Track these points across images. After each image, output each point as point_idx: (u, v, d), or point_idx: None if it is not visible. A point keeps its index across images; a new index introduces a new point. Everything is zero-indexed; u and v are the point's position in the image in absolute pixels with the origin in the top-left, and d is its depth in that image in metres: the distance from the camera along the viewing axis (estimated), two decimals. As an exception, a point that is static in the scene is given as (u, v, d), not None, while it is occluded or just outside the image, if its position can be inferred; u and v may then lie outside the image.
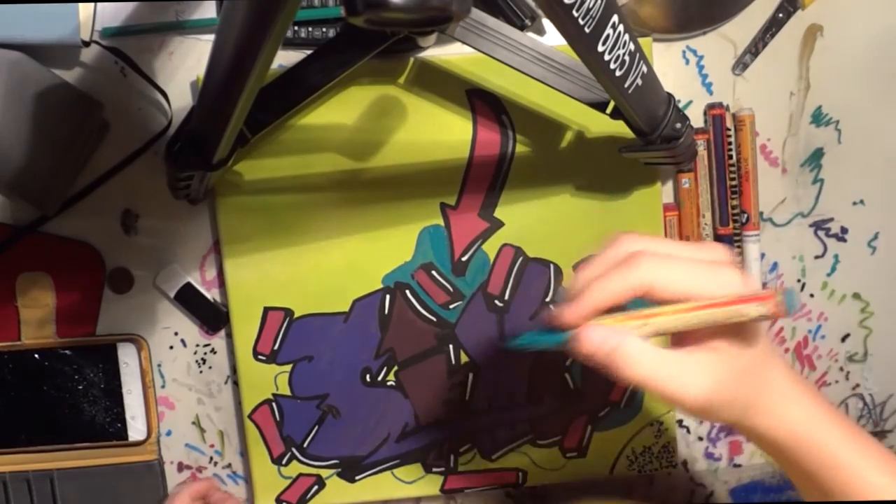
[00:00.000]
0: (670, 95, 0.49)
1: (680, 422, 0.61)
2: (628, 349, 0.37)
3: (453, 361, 0.58)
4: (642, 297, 0.38)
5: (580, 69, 0.50)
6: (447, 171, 0.57)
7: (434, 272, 0.57)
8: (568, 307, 0.38)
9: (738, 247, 0.59)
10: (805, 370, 0.62)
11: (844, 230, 0.60)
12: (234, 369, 0.59)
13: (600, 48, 0.38)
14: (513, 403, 0.59)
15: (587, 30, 0.36)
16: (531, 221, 0.57)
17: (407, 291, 0.58)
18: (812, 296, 0.61)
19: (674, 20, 0.56)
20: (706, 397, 0.38)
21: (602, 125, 0.55)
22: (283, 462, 0.59)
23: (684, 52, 0.58)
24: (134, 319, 0.58)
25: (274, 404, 0.58)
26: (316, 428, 0.58)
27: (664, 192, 0.59)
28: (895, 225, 0.61)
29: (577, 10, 0.35)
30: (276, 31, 0.30)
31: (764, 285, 0.60)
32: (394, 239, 0.57)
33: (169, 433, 0.59)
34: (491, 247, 0.57)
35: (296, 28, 0.54)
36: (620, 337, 0.37)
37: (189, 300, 0.57)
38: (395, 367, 0.58)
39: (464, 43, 0.50)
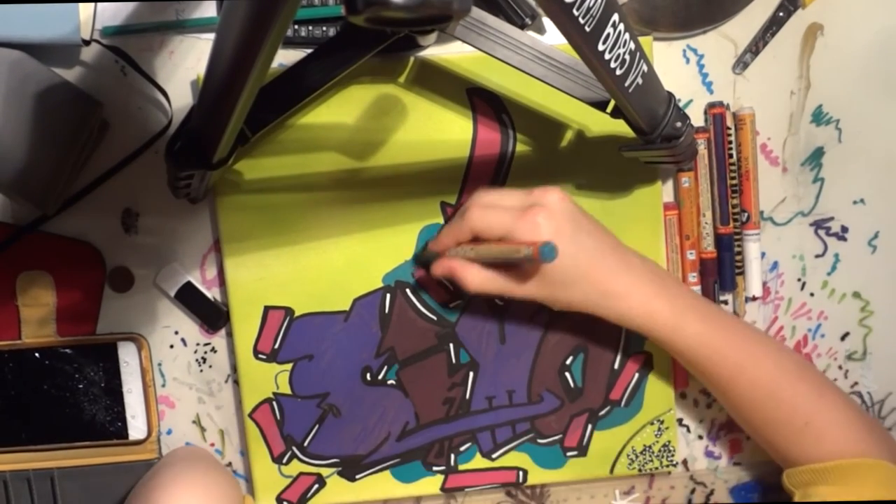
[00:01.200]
0: (671, 94, 0.49)
1: (680, 420, 0.61)
2: (461, 268, 0.52)
3: (454, 360, 0.58)
4: (476, 237, 0.52)
5: (580, 68, 0.50)
6: (447, 169, 0.57)
7: (434, 271, 0.57)
8: (432, 243, 0.55)
9: (739, 246, 0.59)
10: (805, 369, 0.62)
11: (845, 229, 0.60)
12: (234, 368, 0.59)
13: (601, 47, 0.38)
14: (513, 403, 0.59)
15: (587, 29, 0.36)
16: (531, 220, 0.57)
17: (407, 290, 0.58)
18: (812, 295, 0.61)
19: (674, 19, 0.56)
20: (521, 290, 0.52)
21: (602, 124, 0.55)
22: (284, 461, 0.59)
23: (685, 51, 0.58)
24: (134, 318, 0.58)
25: (274, 403, 0.58)
26: (316, 427, 0.58)
27: (664, 190, 0.59)
28: (895, 224, 0.61)
29: (578, 9, 0.35)
30: (277, 30, 0.30)
31: (764, 284, 0.60)
32: (394, 238, 0.57)
33: (169, 432, 0.59)
34: (491, 246, 0.57)
35: (296, 27, 0.54)
36: (454, 262, 0.53)
37: (189, 299, 0.57)
38: (396, 366, 0.58)
39: (464, 42, 0.50)
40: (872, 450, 0.52)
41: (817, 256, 0.61)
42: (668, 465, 0.61)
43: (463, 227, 0.52)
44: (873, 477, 0.50)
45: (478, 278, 0.52)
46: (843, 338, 0.62)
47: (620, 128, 0.51)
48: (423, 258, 0.57)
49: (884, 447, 0.53)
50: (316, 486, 0.59)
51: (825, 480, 0.51)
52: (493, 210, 0.51)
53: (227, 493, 0.54)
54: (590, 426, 0.60)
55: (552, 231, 0.49)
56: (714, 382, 0.54)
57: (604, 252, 0.52)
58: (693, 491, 0.63)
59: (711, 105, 0.58)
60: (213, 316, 0.58)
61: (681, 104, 0.57)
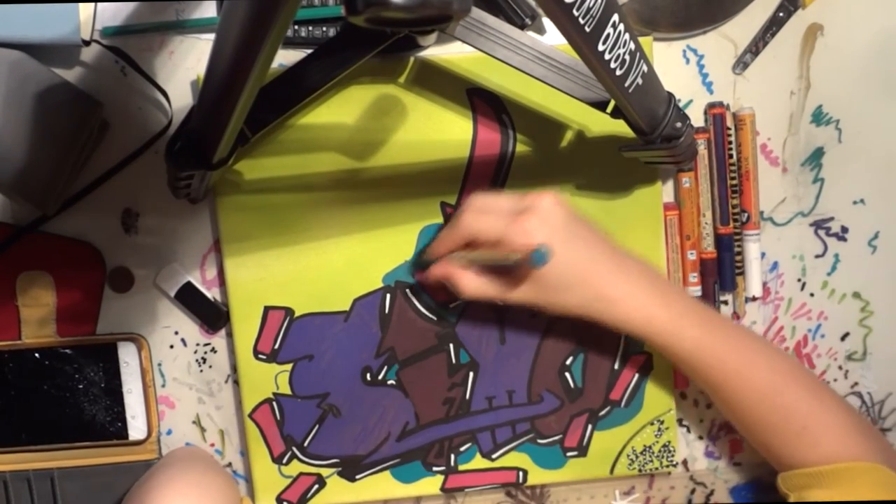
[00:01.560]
0: (671, 94, 0.49)
1: (680, 420, 0.61)
2: (456, 274, 0.53)
3: (454, 360, 0.58)
4: (470, 243, 0.52)
5: (580, 68, 0.50)
6: (447, 170, 0.57)
7: (434, 271, 0.57)
8: (428, 249, 0.55)
9: (739, 246, 0.59)
10: (805, 369, 0.62)
11: (845, 229, 0.60)
12: (234, 368, 0.59)
13: (601, 47, 0.38)
14: (513, 403, 0.59)
15: (587, 29, 0.36)
16: (531, 221, 0.57)
17: (407, 290, 0.58)
18: (812, 295, 0.61)
19: (674, 19, 0.56)
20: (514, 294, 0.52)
21: (602, 124, 0.55)
22: (284, 461, 0.59)
23: (685, 51, 0.58)
24: (134, 318, 0.58)
25: (274, 403, 0.58)
26: (316, 427, 0.58)
27: (665, 191, 0.59)
28: (895, 224, 0.61)
29: (578, 10, 0.35)
30: (277, 30, 0.30)
31: (764, 285, 0.60)
32: (394, 238, 0.57)
33: (169, 432, 0.59)
34: (491, 246, 0.57)
35: (296, 27, 0.54)
36: (449, 268, 0.53)
37: (189, 299, 0.57)
38: (396, 367, 0.58)
39: (464, 42, 0.50)
40: (867, 453, 0.52)
41: (817, 256, 0.61)
42: (668, 466, 0.61)
43: (456, 232, 0.52)
44: (867, 480, 0.51)
45: (472, 284, 0.52)
46: (843, 338, 0.62)
47: (620, 128, 0.51)
48: (420, 264, 0.57)
49: (878, 450, 0.53)
50: (316, 486, 0.59)
51: (819, 484, 0.51)
52: (486, 214, 0.51)
53: (224, 494, 0.54)
54: (590, 426, 0.60)
55: (545, 236, 0.49)
56: (711, 386, 0.54)
57: (599, 256, 0.52)
58: (693, 491, 0.63)
59: (711, 105, 0.58)
60: (213, 316, 0.58)
61: (681, 104, 0.57)
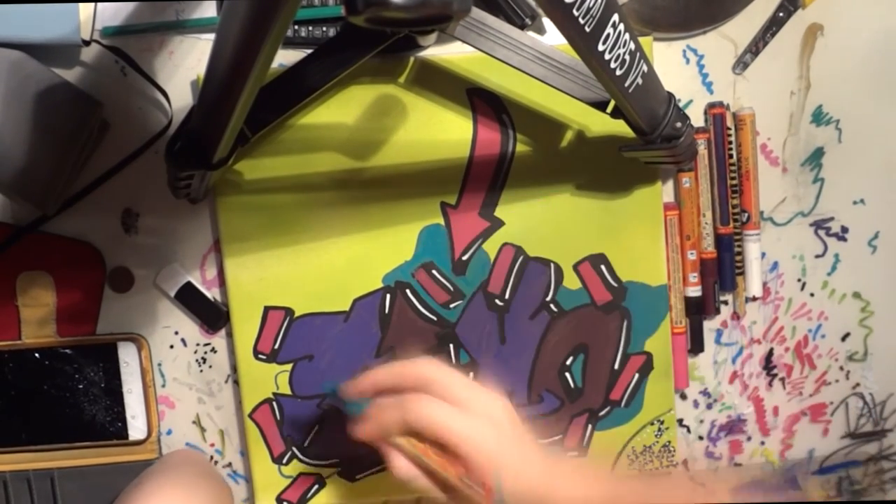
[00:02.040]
0: (671, 94, 0.49)
1: (680, 421, 0.61)
2: (391, 452, 0.48)
3: (454, 360, 0.58)
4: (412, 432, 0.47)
5: (580, 68, 0.50)
6: (447, 170, 0.57)
7: (434, 271, 0.57)
8: (358, 425, 0.49)
9: (739, 246, 0.59)
10: (805, 369, 0.62)
11: (845, 229, 0.60)
12: (234, 368, 0.59)
13: (600, 47, 0.38)
14: (513, 403, 0.59)
15: (587, 29, 0.36)
16: (532, 221, 0.57)
17: (407, 291, 0.58)
18: (812, 295, 0.61)
19: (674, 19, 0.56)
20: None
21: (602, 124, 0.55)
22: (284, 461, 0.59)
23: (685, 51, 0.58)
24: (134, 318, 0.58)
25: (274, 403, 0.58)
26: (316, 427, 0.58)
27: (665, 191, 0.59)
28: (895, 224, 0.60)
29: (578, 10, 0.35)
30: (277, 30, 0.30)
31: (764, 285, 0.60)
32: (394, 238, 0.57)
33: (169, 432, 0.59)
34: (491, 246, 0.57)
35: (296, 27, 0.54)
36: (384, 442, 0.48)
37: (189, 299, 0.57)
38: (396, 367, 0.58)
39: (464, 42, 0.50)
40: None
41: (817, 256, 0.61)
42: (668, 466, 0.60)
43: (400, 419, 0.47)
44: None
45: (404, 471, 0.48)
46: (843, 338, 0.62)
47: (620, 128, 0.51)
48: (350, 405, 0.51)
49: None
50: (316, 486, 0.59)
51: None
52: (442, 412, 0.47)
53: (215, 500, 0.53)
54: (590, 426, 0.60)
55: (494, 444, 0.47)
56: None
57: (543, 469, 0.49)
58: (693, 492, 0.62)
59: (711, 105, 0.58)
60: (213, 316, 0.58)
61: (681, 104, 0.57)
